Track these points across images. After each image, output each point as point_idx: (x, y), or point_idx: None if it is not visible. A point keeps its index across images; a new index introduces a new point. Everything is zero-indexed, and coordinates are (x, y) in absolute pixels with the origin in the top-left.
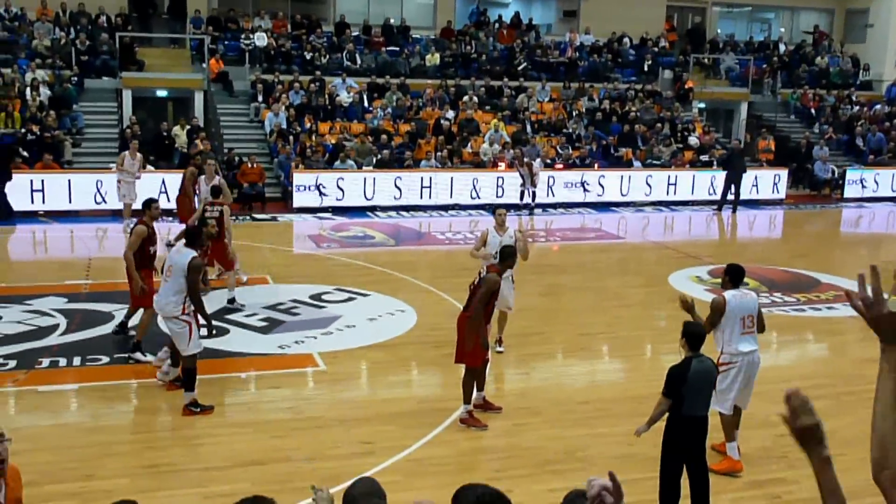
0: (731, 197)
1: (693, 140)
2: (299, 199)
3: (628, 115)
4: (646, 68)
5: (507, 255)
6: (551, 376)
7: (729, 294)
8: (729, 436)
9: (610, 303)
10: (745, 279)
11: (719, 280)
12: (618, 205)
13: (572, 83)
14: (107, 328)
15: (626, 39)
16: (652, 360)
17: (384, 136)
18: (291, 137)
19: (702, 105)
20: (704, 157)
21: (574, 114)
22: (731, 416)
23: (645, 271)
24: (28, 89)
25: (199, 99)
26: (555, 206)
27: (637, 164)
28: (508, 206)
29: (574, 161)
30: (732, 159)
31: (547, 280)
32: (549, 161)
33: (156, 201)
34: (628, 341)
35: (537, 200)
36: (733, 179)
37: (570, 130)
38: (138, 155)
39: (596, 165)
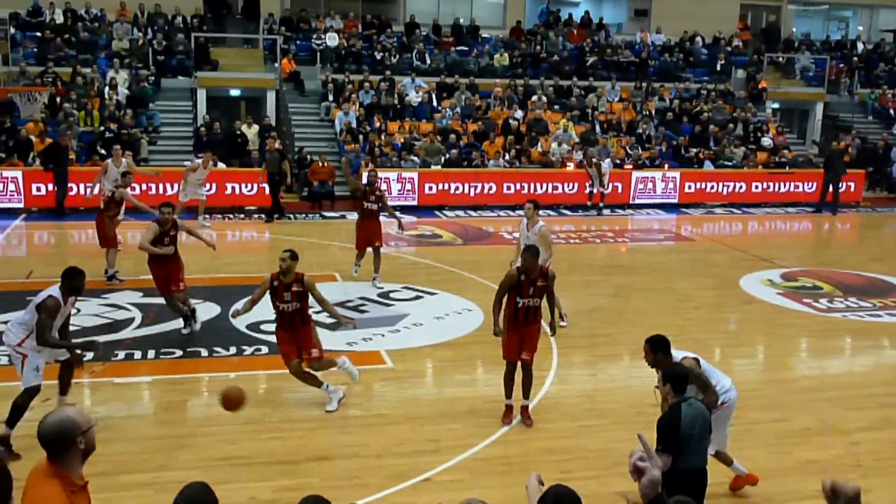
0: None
1: (766, 141)
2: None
3: (700, 116)
4: (718, 68)
5: (527, 255)
6: (619, 378)
7: (681, 354)
8: (727, 461)
9: (680, 305)
10: (819, 284)
11: (792, 284)
12: (688, 206)
13: (643, 83)
14: (180, 322)
15: (698, 38)
16: (723, 363)
17: (452, 136)
18: (361, 136)
19: (776, 105)
20: (779, 159)
21: (644, 114)
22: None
23: (716, 273)
24: (107, 88)
25: (270, 98)
26: (623, 206)
27: (708, 164)
28: (578, 207)
29: (644, 162)
30: (832, 160)
31: (616, 281)
32: (618, 161)
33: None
34: (699, 344)
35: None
36: (832, 180)
37: (640, 131)
38: (210, 163)
39: (666, 166)
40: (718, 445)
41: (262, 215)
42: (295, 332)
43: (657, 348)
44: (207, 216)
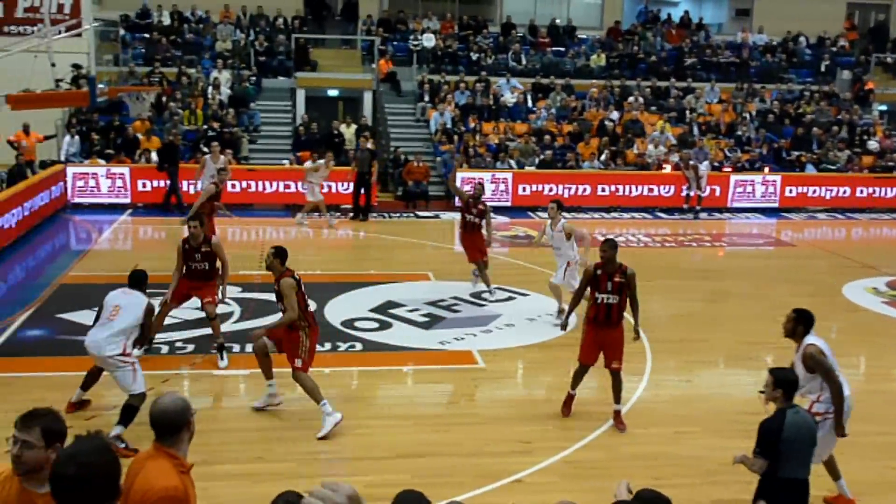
0: None
1: (872, 144)
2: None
3: (802, 118)
4: (823, 69)
5: (605, 248)
6: (714, 385)
7: (816, 340)
8: (836, 475)
9: (778, 312)
10: None
11: None
12: (788, 210)
13: (743, 84)
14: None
15: (801, 39)
16: None
17: (547, 137)
18: (455, 137)
19: (883, 108)
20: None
21: (744, 116)
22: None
23: (816, 280)
24: (210, 88)
25: (367, 98)
26: (721, 210)
27: (810, 168)
28: (674, 210)
29: (743, 164)
30: None
31: (711, 286)
32: (716, 164)
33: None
34: None
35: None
36: None
37: (740, 133)
38: (331, 163)
39: (766, 169)
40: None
41: (359, 214)
42: (288, 333)
43: (802, 321)
44: (305, 214)
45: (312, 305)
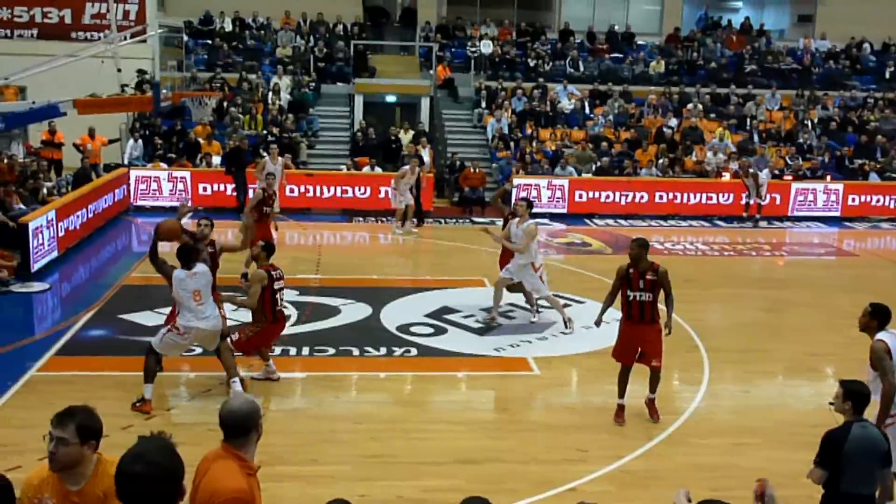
0: None
1: None
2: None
3: (866, 125)
4: (888, 75)
5: (635, 246)
6: (775, 395)
7: (887, 337)
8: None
9: (840, 322)
10: None
11: None
12: (851, 219)
13: (805, 91)
14: (334, 322)
15: (865, 45)
16: None
17: (604, 144)
18: (512, 143)
19: None
20: None
21: (806, 123)
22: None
23: (882, 290)
24: (270, 94)
25: (425, 104)
26: (781, 218)
27: (874, 176)
28: (733, 218)
29: (804, 173)
30: None
31: (771, 295)
32: (776, 172)
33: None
34: (861, 364)
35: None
36: None
37: (801, 140)
38: (417, 169)
39: (828, 177)
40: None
41: (414, 219)
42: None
43: (877, 315)
44: (415, 220)
45: (287, 307)
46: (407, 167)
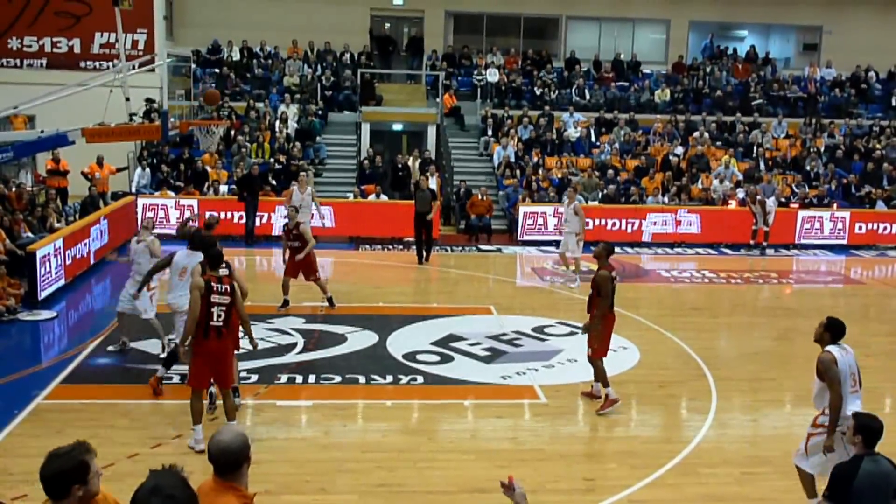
0: None
1: None
2: (525, 232)
3: (872, 153)
4: (894, 103)
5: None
6: (784, 425)
7: (835, 350)
8: (810, 492)
9: None
10: None
11: None
12: (858, 247)
13: (811, 119)
14: (340, 349)
15: (871, 73)
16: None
17: (610, 171)
18: (519, 171)
19: None
20: None
21: (812, 151)
22: (811, 477)
23: (891, 319)
24: (277, 122)
25: (431, 132)
26: (788, 246)
27: (881, 204)
28: (739, 246)
29: (811, 200)
30: None
31: (780, 324)
32: (783, 200)
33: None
34: (871, 394)
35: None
36: None
37: (808, 168)
38: (575, 203)
39: (835, 205)
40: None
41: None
42: None
43: (830, 329)
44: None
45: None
46: (570, 204)
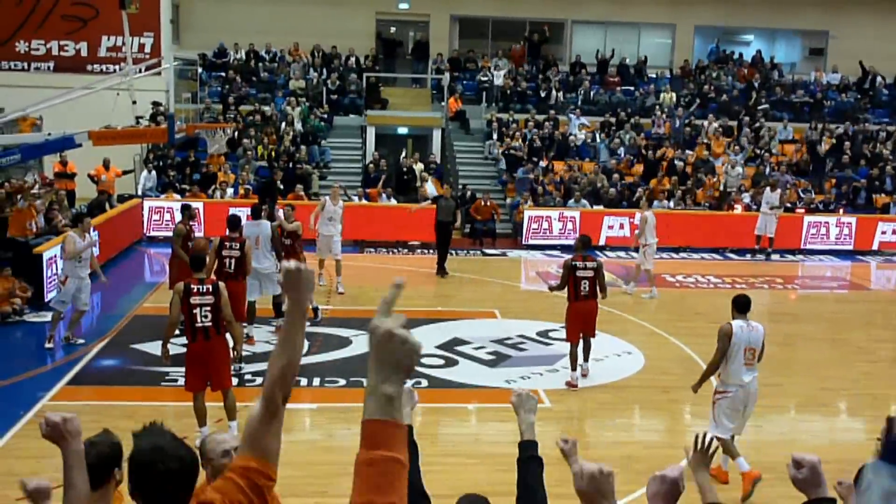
0: None
1: None
2: (530, 236)
3: (879, 158)
4: None
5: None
6: (788, 431)
7: (735, 324)
8: (734, 455)
9: (854, 357)
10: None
11: None
12: (864, 253)
13: (817, 123)
14: (345, 352)
15: (878, 78)
16: None
17: (616, 175)
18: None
19: None
20: None
21: (818, 156)
22: (729, 441)
23: (895, 325)
24: (283, 125)
25: (436, 136)
26: (794, 251)
27: (894, 208)
28: (744, 251)
29: (817, 205)
30: None
31: (784, 329)
32: (789, 205)
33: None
34: (876, 400)
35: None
36: None
37: (814, 173)
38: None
39: (841, 210)
40: (735, 430)
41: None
42: None
43: (734, 303)
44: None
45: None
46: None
